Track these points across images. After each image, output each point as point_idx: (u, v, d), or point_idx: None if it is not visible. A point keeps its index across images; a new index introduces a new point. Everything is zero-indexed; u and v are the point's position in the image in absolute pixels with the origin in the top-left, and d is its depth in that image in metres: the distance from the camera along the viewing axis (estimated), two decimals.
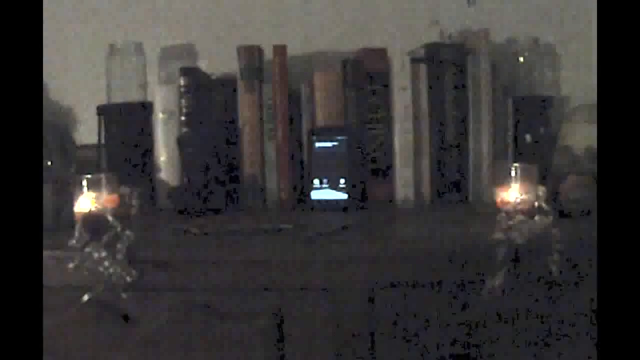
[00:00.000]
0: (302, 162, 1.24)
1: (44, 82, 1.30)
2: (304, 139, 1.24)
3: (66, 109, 1.41)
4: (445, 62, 1.24)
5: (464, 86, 1.24)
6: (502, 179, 1.01)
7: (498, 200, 1.00)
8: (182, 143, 1.20)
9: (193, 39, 1.40)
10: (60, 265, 0.90)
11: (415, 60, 1.23)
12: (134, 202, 1.15)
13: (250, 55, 1.24)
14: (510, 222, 0.92)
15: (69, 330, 0.94)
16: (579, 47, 1.38)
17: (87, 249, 0.90)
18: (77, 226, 0.91)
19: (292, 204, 1.23)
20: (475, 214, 1.16)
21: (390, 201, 1.23)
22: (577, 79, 1.38)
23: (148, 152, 1.26)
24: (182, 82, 1.24)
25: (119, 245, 0.90)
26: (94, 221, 0.93)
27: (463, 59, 1.24)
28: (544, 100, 1.32)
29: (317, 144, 1.20)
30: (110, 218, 0.92)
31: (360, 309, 0.94)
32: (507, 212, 0.93)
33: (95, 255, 0.89)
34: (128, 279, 0.90)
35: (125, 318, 0.94)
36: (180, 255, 0.95)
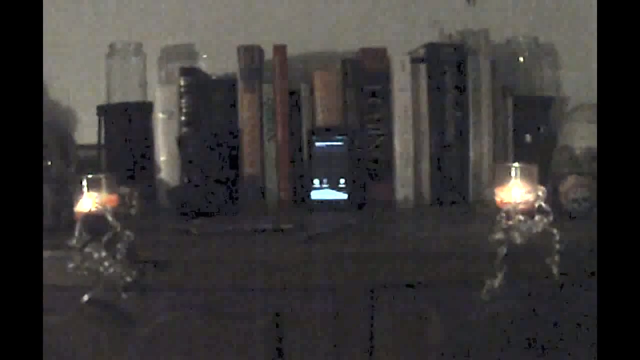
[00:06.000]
0: (302, 162, 1.24)
1: (44, 82, 1.30)
2: (304, 139, 1.24)
3: (66, 109, 1.41)
4: (445, 62, 1.24)
5: (464, 86, 1.24)
6: (502, 179, 1.02)
7: (498, 200, 1.00)
8: (182, 143, 1.20)
9: (193, 39, 1.40)
10: (60, 265, 0.90)
11: (415, 60, 1.23)
12: (134, 202, 1.15)
13: (250, 55, 1.24)
14: (510, 222, 0.92)
15: (69, 330, 0.94)
16: (579, 47, 1.38)
17: (87, 249, 0.90)
18: (77, 226, 0.91)
19: (292, 204, 1.23)
20: (475, 214, 1.16)
21: (390, 201, 1.23)
22: (577, 79, 1.38)
23: (148, 152, 1.26)
24: (182, 82, 1.24)
25: (119, 245, 0.90)
26: (94, 221, 0.93)
27: (463, 59, 1.24)
28: (544, 100, 1.32)
29: (317, 144, 1.20)
30: (110, 218, 0.92)
31: (360, 309, 0.94)
32: (507, 212, 0.93)
33: (95, 255, 0.89)
34: (128, 279, 0.90)
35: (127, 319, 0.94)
36: (180, 255, 0.95)
